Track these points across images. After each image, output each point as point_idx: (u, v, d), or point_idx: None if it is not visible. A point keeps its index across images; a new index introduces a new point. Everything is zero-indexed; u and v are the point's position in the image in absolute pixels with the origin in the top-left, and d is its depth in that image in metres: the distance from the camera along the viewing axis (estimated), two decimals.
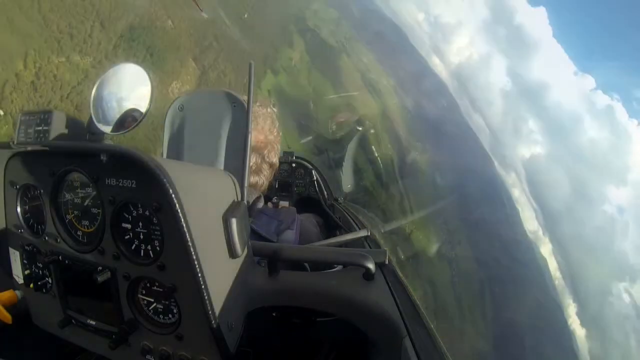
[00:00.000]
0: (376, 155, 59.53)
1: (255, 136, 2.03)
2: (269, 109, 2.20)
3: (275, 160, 2.20)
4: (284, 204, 4.51)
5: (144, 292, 1.31)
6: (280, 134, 2.27)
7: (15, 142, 1.43)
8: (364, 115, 63.67)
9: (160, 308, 1.30)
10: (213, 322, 1.15)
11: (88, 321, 1.42)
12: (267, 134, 2.13)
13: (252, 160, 2.02)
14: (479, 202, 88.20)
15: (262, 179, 2.16)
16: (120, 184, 1.19)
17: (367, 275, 1.46)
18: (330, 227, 4.07)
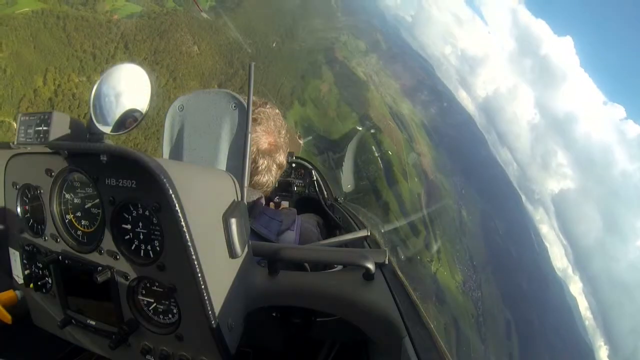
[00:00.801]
0: (408, 186, 59.09)
1: (266, 138, 2.03)
2: (277, 110, 2.20)
3: (283, 160, 2.20)
4: (284, 204, 4.57)
5: (143, 292, 1.31)
6: (288, 135, 2.27)
7: (15, 143, 1.45)
8: (390, 148, 63.53)
9: (160, 308, 1.30)
10: (213, 322, 1.14)
11: (88, 321, 1.42)
12: (277, 137, 2.12)
13: (263, 162, 2.03)
14: (506, 239, 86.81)
15: (271, 179, 2.14)
16: (120, 184, 1.19)
17: (367, 276, 1.45)
18: (330, 227, 4.08)
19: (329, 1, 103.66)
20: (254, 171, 2.01)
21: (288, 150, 2.25)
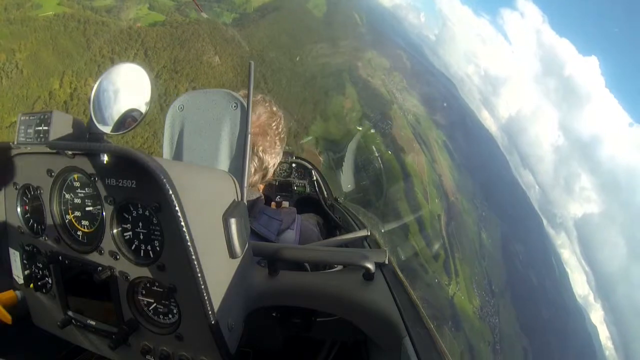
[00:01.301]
0: (429, 207, 58.67)
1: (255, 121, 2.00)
2: (275, 107, 2.17)
3: (266, 157, 2.07)
4: (285, 204, 4.54)
5: (143, 292, 1.31)
6: (283, 136, 2.20)
7: (15, 143, 1.46)
8: (412, 169, 63.22)
9: (160, 308, 1.30)
10: (213, 322, 1.14)
11: (88, 321, 1.42)
12: (265, 127, 2.06)
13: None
14: (526, 263, 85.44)
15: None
16: (120, 184, 1.20)
17: (367, 276, 1.46)
18: (330, 227, 4.12)
19: (354, 17, 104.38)
20: None
21: (278, 150, 2.17)
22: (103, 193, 1.25)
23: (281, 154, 2.21)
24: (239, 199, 1.40)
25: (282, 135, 2.17)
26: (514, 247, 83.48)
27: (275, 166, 2.21)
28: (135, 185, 1.18)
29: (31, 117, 1.40)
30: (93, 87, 1.53)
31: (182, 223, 1.02)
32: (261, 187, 2.28)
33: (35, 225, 1.48)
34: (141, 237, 1.23)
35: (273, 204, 4.54)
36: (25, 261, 1.54)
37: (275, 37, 68.14)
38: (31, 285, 1.51)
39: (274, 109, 2.16)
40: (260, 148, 2.02)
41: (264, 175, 2.14)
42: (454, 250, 58.42)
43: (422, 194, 61.52)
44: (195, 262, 1.05)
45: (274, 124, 2.10)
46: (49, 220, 1.41)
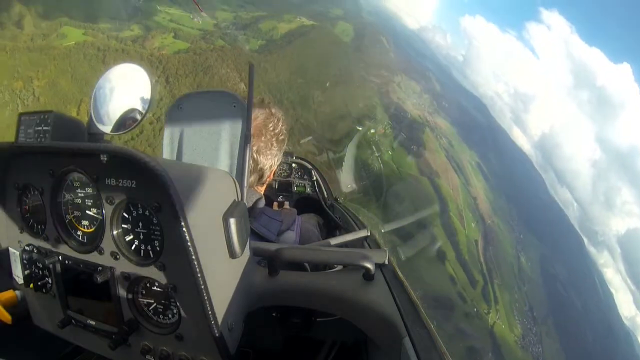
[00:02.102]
0: (465, 232, 57.74)
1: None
2: (274, 110, 2.16)
3: (261, 158, 2.05)
4: (285, 204, 4.60)
5: (143, 292, 1.31)
6: (282, 138, 2.16)
7: (15, 142, 1.47)
8: (447, 193, 62.49)
9: (160, 308, 1.31)
10: (213, 322, 1.14)
11: (88, 321, 1.42)
12: (261, 128, 2.05)
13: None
14: (568, 286, 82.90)
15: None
16: (120, 184, 1.20)
17: (367, 276, 1.47)
18: (330, 227, 4.14)
19: (381, 41, 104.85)
20: None
21: (273, 151, 2.12)
22: (103, 193, 1.25)
23: (279, 155, 2.19)
24: (239, 199, 1.40)
25: (280, 137, 2.14)
26: (554, 269, 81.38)
27: (274, 168, 2.19)
28: (135, 185, 1.18)
29: (31, 117, 1.41)
30: (93, 87, 1.56)
31: (182, 223, 1.02)
32: (260, 188, 2.27)
33: (35, 225, 1.48)
34: (141, 237, 1.23)
35: (275, 204, 4.60)
36: (25, 261, 1.54)
37: (304, 63, 67.93)
38: (31, 285, 1.50)
39: (272, 110, 2.14)
40: (255, 149, 2.01)
41: (261, 177, 2.12)
42: (493, 276, 57.17)
43: (458, 218, 60.69)
44: (195, 262, 1.06)
45: (270, 125, 2.08)
46: (49, 220, 1.41)
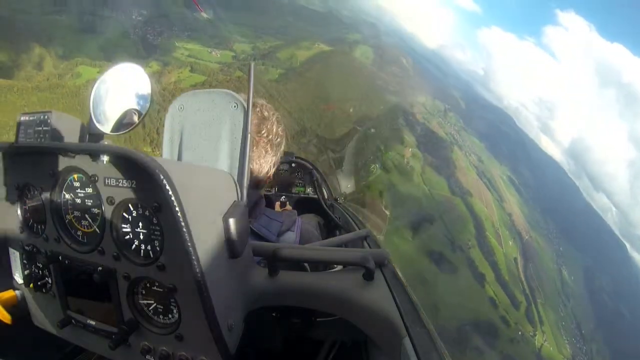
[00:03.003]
0: (503, 251, 56.64)
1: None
2: (266, 113, 2.09)
3: (253, 165, 2.01)
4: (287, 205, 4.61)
5: (143, 292, 1.31)
6: (279, 141, 2.12)
7: (15, 142, 1.49)
8: (481, 212, 61.59)
9: (160, 308, 1.31)
10: (213, 322, 1.15)
11: (88, 321, 1.43)
12: (253, 134, 1.98)
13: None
14: (614, 296, 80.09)
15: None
16: (120, 184, 1.20)
17: (367, 276, 1.47)
18: (330, 227, 4.17)
19: (402, 62, 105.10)
20: None
21: (267, 158, 2.07)
22: (103, 193, 1.25)
23: (274, 160, 2.13)
24: (239, 199, 1.41)
25: (275, 141, 2.09)
26: (598, 280, 79.05)
27: (270, 173, 2.14)
28: (135, 186, 1.18)
29: (31, 118, 1.42)
30: (92, 87, 1.58)
31: (182, 223, 1.03)
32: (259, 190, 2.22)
33: (35, 225, 1.48)
34: (141, 237, 1.23)
35: (277, 204, 4.61)
36: (25, 261, 1.55)
37: (326, 89, 68.00)
38: (31, 285, 1.51)
39: (266, 113, 2.08)
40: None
41: (257, 185, 2.08)
42: (536, 295, 55.77)
43: (495, 237, 59.69)
44: (195, 262, 1.06)
45: (264, 132, 2.02)
46: (49, 220, 1.42)
